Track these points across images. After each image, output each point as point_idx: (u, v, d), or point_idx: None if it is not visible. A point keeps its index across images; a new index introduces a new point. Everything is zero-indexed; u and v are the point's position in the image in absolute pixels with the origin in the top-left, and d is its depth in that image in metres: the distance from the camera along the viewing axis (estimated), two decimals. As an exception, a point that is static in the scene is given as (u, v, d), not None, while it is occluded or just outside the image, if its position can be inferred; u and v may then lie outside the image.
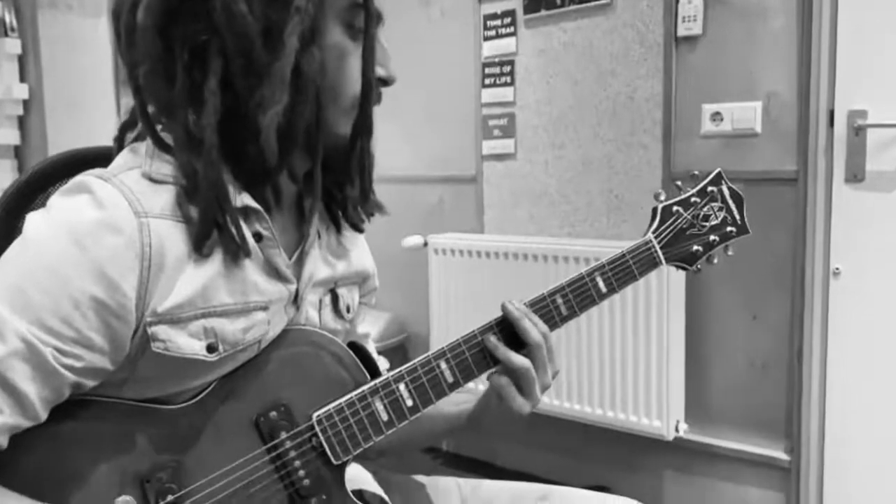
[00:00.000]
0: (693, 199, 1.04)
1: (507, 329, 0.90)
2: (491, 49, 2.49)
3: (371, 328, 1.11)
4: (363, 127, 0.83)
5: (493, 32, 2.48)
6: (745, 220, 1.06)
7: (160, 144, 0.77)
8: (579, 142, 2.35)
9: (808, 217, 1.99)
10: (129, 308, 0.71)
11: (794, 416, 2.05)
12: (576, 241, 2.30)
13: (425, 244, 2.55)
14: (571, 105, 2.35)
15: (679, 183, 1.06)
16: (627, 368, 2.14)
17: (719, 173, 1.06)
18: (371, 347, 1.10)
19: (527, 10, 2.39)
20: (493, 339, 0.89)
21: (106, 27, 2.87)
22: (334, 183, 0.89)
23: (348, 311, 0.95)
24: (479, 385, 0.95)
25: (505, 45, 2.46)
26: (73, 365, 0.71)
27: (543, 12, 2.36)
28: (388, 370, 0.88)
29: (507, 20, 2.44)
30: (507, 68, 2.47)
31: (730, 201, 1.05)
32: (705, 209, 1.04)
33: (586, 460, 2.42)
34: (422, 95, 2.64)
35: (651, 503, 2.29)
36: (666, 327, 2.07)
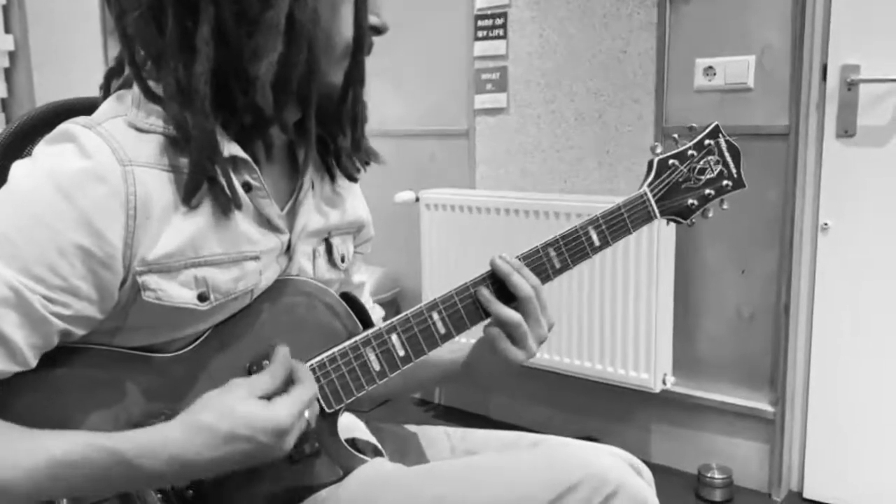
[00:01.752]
0: (689, 153, 1.03)
1: (500, 282, 0.91)
2: (484, 1, 2.46)
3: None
4: (356, 76, 0.82)
5: (485, -16, 2.45)
6: (742, 173, 1.06)
7: (149, 94, 0.76)
8: (572, 96, 2.33)
9: (798, 172, 2.00)
10: (115, 257, 0.72)
11: (779, 369, 2.09)
12: (568, 197, 2.30)
13: (417, 199, 2.55)
14: (564, 59, 2.33)
15: (676, 136, 1.06)
16: (617, 322, 2.16)
17: (717, 126, 1.05)
18: (367, 296, 1.11)
19: (520, -39, 2.36)
20: (485, 293, 0.90)
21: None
22: (327, 132, 0.88)
23: (343, 260, 0.96)
24: (471, 340, 0.96)
25: (498, -3, 2.43)
26: (62, 312, 0.71)
27: (537, -37, 2.32)
28: (383, 320, 0.89)
29: (501, -29, 2.41)
30: (499, 20, 2.44)
31: (726, 154, 1.05)
32: (701, 163, 1.04)
33: (576, 412, 2.47)
34: (413, 48, 2.61)
35: (638, 454, 2.32)
36: (655, 281, 2.09)
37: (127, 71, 0.81)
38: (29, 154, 0.76)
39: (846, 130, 1.95)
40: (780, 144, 2.02)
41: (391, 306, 2.78)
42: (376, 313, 1.11)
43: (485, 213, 2.40)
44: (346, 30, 0.80)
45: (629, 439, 2.36)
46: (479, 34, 2.49)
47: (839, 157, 1.97)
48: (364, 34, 0.81)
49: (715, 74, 2.08)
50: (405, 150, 2.71)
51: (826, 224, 2.00)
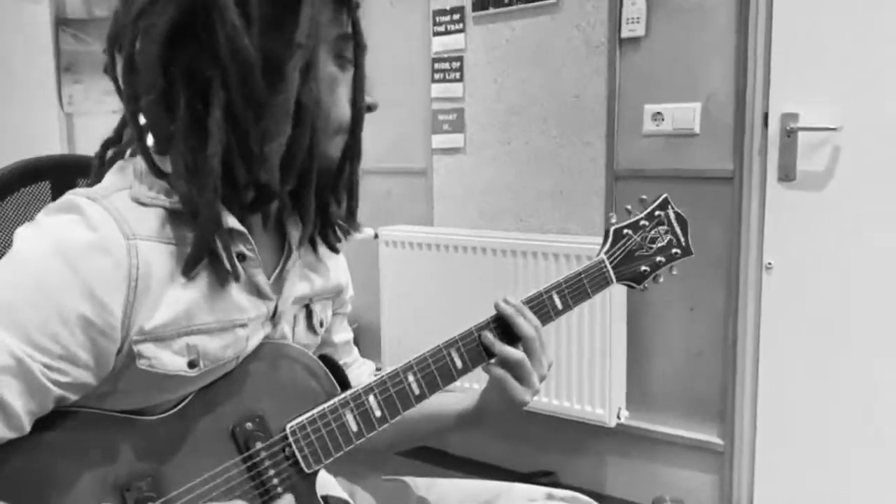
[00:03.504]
0: (642, 223, 1.12)
1: (501, 327, 0.98)
2: (440, 44, 2.53)
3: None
4: (354, 151, 0.87)
5: (442, 28, 2.52)
6: (689, 242, 1.15)
7: (155, 170, 0.79)
8: (527, 138, 2.41)
9: (742, 214, 2.10)
10: (115, 326, 0.74)
11: (728, 403, 2.17)
12: (524, 235, 2.37)
13: (376, 236, 2.59)
14: (519, 102, 2.41)
15: (628, 206, 1.13)
16: (573, 359, 2.23)
17: (666, 198, 1.14)
18: (355, 354, 1.14)
19: (475, 7, 2.43)
20: (489, 336, 0.97)
21: (47, 15, 2.80)
22: (319, 203, 0.92)
23: (321, 325, 0.99)
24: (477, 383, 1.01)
25: (454, 42, 2.50)
26: (60, 380, 0.73)
27: (492, 10, 2.40)
28: (377, 371, 0.93)
29: (457, 16, 2.48)
30: (456, 64, 2.51)
31: (675, 224, 1.14)
32: (653, 232, 1.12)
33: (534, 447, 2.51)
34: (372, 80, 2.65)
35: (594, 487, 2.39)
36: (609, 319, 2.16)
37: (125, 139, 0.84)
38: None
39: (787, 175, 2.05)
40: (725, 188, 2.12)
41: (349, 342, 2.79)
42: (367, 367, 1.14)
43: (443, 251, 2.45)
44: (342, 108, 0.85)
45: (585, 472, 2.42)
46: (436, 76, 2.55)
47: (781, 201, 2.07)
48: (362, 114, 0.86)
49: (663, 120, 2.18)
50: (364, 188, 2.71)
51: (770, 264, 2.10)
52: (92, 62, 3.19)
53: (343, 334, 1.10)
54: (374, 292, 2.61)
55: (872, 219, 1.96)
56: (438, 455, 2.68)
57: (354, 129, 0.86)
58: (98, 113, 3.22)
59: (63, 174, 1.07)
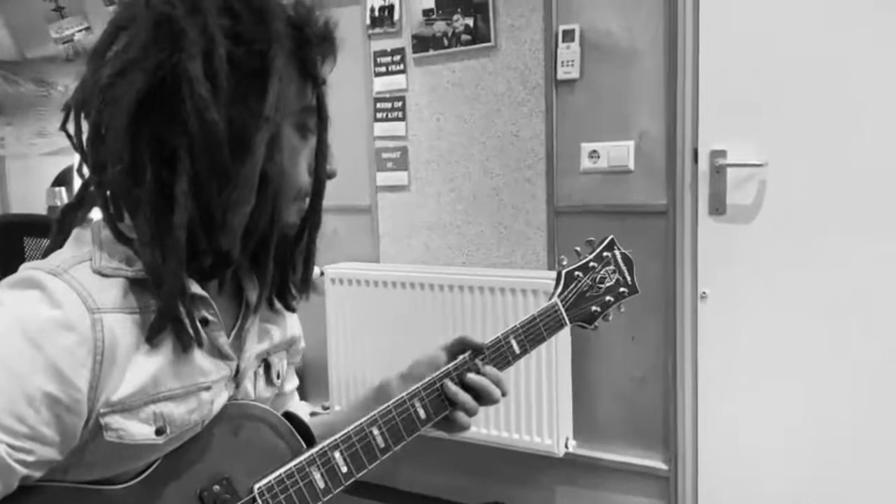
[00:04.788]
0: (591, 265, 1.17)
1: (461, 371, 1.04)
2: (382, 85, 2.57)
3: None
4: (314, 220, 0.90)
5: (383, 69, 2.56)
6: (635, 281, 1.20)
7: (120, 237, 0.80)
8: (469, 175, 2.46)
9: (677, 246, 2.19)
10: (81, 402, 0.74)
11: (670, 429, 2.25)
12: (469, 270, 2.42)
13: (322, 274, 2.60)
14: (461, 141, 2.46)
15: (578, 248, 1.19)
16: (521, 391, 2.27)
17: (612, 240, 1.20)
18: (295, 399, 1.15)
19: (415, 49, 2.49)
20: (451, 386, 1.02)
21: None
22: (277, 267, 0.93)
23: (278, 377, 1.01)
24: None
25: (396, 82, 2.54)
26: (25, 459, 0.73)
27: (431, 52, 2.46)
28: (326, 409, 0.94)
29: (398, 58, 2.53)
30: (398, 104, 2.56)
31: (621, 265, 1.19)
32: (602, 273, 1.17)
33: (483, 479, 2.54)
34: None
35: (545, 516, 2.43)
36: (555, 350, 2.22)
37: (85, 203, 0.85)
38: None
39: (717, 208, 2.16)
40: (660, 221, 2.21)
41: (297, 380, 2.78)
42: (304, 410, 1.16)
43: (389, 287, 2.47)
44: (301, 176, 0.87)
45: (535, 503, 2.45)
46: (379, 115, 2.59)
47: (713, 233, 2.17)
48: (323, 184, 0.88)
49: (599, 157, 2.26)
50: (308, 227, 2.75)
51: (705, 293, 2.19)
52: (23, 104, 3.12)
53: (292, 383, 1.12)
54: (320, 330, 2.61)
55: (798, 248, 2.07)
56: (388, 492, 2.68)
57: (315, 198, 0.88)
58: (30, 155, 3.15)
59: (8, 234, 1.07)
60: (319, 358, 2.69)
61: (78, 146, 0.82)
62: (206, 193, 0.78)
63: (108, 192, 0.80)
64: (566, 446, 2.28)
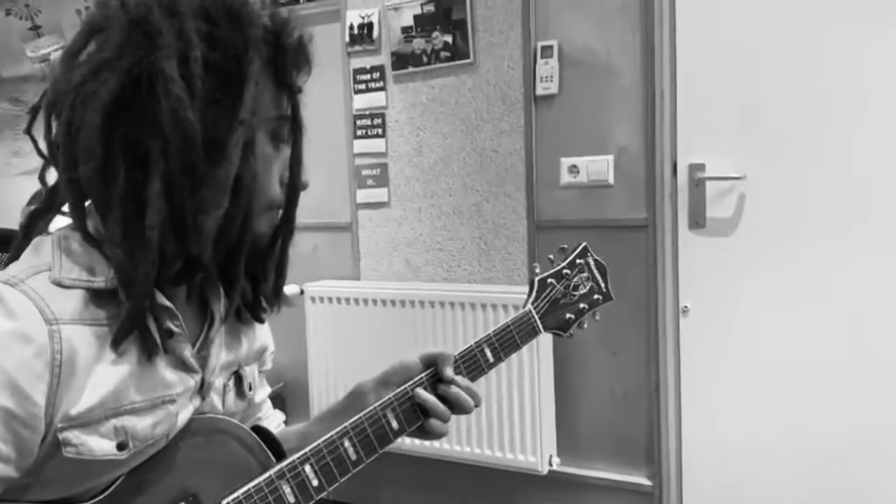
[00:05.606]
0: (564, 272, 1.16)
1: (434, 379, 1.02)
2: (362, 102, 2.57)
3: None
4: (286, 230, 0.89)
5: (363, 86, 2.56)
6: (609, 288, 1.19)
7: (88, 238, 0.78)
8: (450, 191, 2.46)
9: (658, 260, 2.19)
10: (38, 416, 0.72)
11: (654, 444, 2.23)
12: (450, 286, 2.40)
13: (302, 292, 2.58)
14: (441, 157, 2.46)
15: (551, 256, 1.17)
16: (503, 408, 2.25)
17: (585, 247, 1.18)
18: (266, 406, 1.13)
19: (395, 66, 2.49)
20: (422, 394, 1.00)
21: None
22: (248, 276, 0.92)
23: (250, 388, 0.99)
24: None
25: (375, 99, 2.54)
26: None
27: (411, 69, 2.46)
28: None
29: (377, 75, 2.53)
30: (378, 121, 2.55)
31: (595, 272, 1.18)
32: (575, 280, 1.16)
33: (467, 498, 2.51)
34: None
35: (529, 535, 2.40)
36: (537, 366, 2.20)
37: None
38: None
39: (697, 222, 2.16)
40: (640, 235, 2.21)
41: (276, 401, 2.74)
42: (276, 419, 1.14)
43: (371, 305, 2.45)
44: (273, 185, 0.86)
45: (519, 521, 2.42)
46: (359, 132, 2.59)
47: (693, 246, 2.17)
48: (297, 193, 0.87)
49: (578, 172, 2.26)
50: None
51: (686, 307, 2.19)
52: (-1, 123, 3.09)
53: (263, 391, 1.10)
54: (300, 349, 2.58)
55: (778, 260, 2.07)
56: (372, 512, 2.64)
57: (289, 208, 0.87)
58: (5, 175, 3.12)
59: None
60: (300, 377, 2.66)
61: (44, 149, 0.81)
62: (179, 196, 0.77)
63: (79, 192, 0.78)
64: (550, 463, 2.26)
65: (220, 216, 0.78)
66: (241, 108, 0.78)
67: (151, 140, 0.76)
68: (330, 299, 2.52)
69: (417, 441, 2.35)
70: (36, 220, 0.85)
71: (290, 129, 0.87)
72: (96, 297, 0.77)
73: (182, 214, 0.77)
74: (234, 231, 0.81)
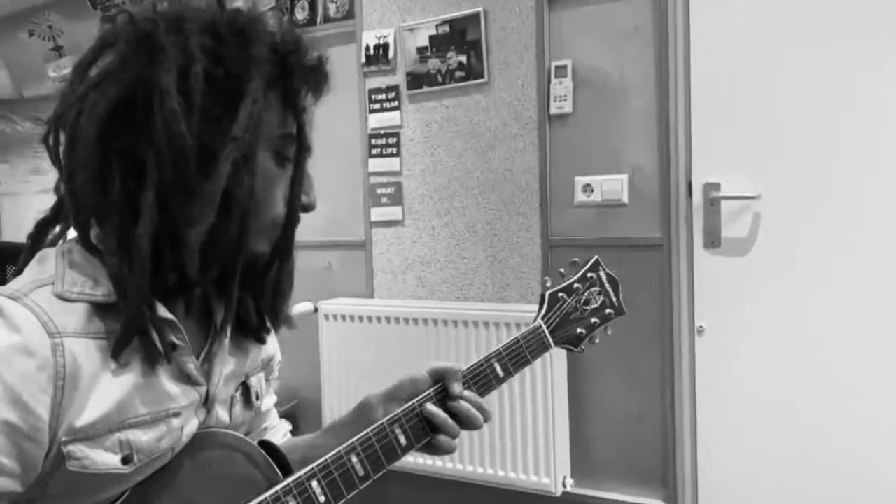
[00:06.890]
0: (575, 286, 1.15)
1: (442, 395, 1.00)
2: (377, 121, 2.58)
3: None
4: (283, 248, 0.88)
5: (378, 106, 2.57)
6: (622, 302, 1.18)
7: (89, 246, 0.79)
8: (464, 210, 2.46)
9: (673, 280, 2.17)
10: (42, 430, 0.72)
11: (669, 465, 2.20)
12: (464, 305, 2.39)
13: (315, 310, 2.58)
14: (455, 175, 2.46)
15: (562, 270, 1.17)
16: (517, 428, 2.23)
17: (597, 260, 1.17)
18: (273, 415, 1.13)
19: (410, 86, 2.50)
20: (431, 408, 0.98)
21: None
22: (251, 295, 0.92)
23: (258, 398, 0.98)
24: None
25: (390, 118, 2.56)
26: None
27: (426, 88, 2.48)
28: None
29: (392, 94, 2.54)
30: (392, 139, 2.56)
31: (607, 286, 1.17)
32: (586, 294, 1.15)
33: (479, 519, 2.48)
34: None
35: (542, 557, 2.37)
36: (550, 386, 2.18)
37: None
38: None
39: (712, 241, 2.14)
40: (655, 254, 2.20)
41: (289, 419, 2.73)
42: (283, 428, 1.13)
43: (384, 323, 2.45)
44: (276, 205, 0.85)
45: (533, 543, 2.39)
46: (374, 151, 2.60)
47: (708, 266, 2.16)
48: (296, 212, 0.86)
49: (593, 191, 2.26)
50: (303, 261, 2.73)
51: (701, 327, 2.16)
52: (19, 142, 3.14)
53: (269, 400, 1.09)
54: (314, 367, 2.58)
55: (794, 280, 2.05)
56: (384, 532, 2.62)
57: (286, 228, 0.87)
58: (25, 193, 3.16)
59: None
60: (313, 395, 2.65)
61: (55, 157, 0.82)
62: (171, 206, 0.77)
63: (77, 201, 0.79)
64: (564, 485, 2.24)
65: (205, 230, 0.78)
66: (235, 124, 0.78)
67: (146, 151, 0.77)
68: (343, 317, 2.52)
69: (428, 460, 2.35)
70: (43, 231, 0.86)
71: (294, 148, 0.86)
72: (99, 310, 0.77)
73: (174, 225, 0.78)
74: (225, 246, 0.81)
